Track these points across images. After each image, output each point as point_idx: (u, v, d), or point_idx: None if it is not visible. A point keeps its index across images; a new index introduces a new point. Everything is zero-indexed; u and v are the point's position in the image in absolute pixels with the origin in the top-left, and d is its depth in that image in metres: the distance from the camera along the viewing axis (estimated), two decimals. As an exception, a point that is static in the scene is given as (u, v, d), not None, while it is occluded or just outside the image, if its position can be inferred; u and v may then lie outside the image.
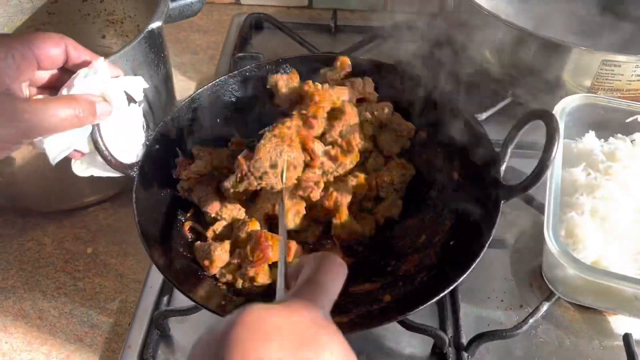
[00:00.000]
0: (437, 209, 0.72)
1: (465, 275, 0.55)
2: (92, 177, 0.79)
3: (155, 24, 0.72)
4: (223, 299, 0.62)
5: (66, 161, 0.74)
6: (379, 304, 0.61)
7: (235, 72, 0.76)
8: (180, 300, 0.71)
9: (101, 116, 0.55)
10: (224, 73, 1.01)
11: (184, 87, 1.03)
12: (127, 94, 0.59)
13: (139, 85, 0.61)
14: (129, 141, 0.63)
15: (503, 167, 0.63)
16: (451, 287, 0.56)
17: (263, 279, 0.64)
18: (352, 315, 0.59)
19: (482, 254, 0.56)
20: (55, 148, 0.55)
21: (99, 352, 0.69)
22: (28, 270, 0.77)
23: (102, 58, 0.56)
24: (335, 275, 0.45)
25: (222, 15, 1.20)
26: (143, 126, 0.64)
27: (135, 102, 0.61)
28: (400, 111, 0.76)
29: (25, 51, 0.50)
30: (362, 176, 0.71)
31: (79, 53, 0.55)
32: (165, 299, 0.72)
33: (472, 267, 0.56)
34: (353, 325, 0.57)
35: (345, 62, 0.76)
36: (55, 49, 0.53)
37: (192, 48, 1.13)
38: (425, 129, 0.75)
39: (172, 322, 0.70)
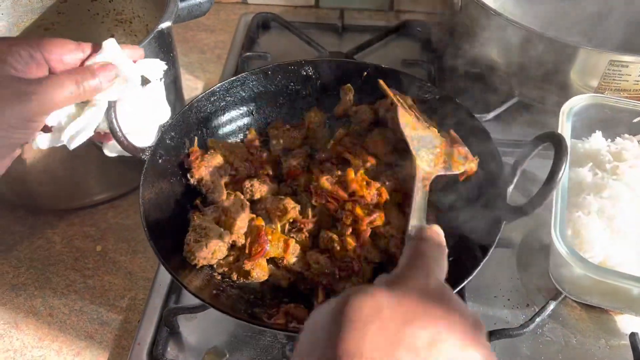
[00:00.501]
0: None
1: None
2: (102, 174, 0.81)
3: (165, 24, 0.72)
4: (216, 289, 0.62)
5: (76, 160, 0.75)
6: None
7: (257, 69, 0.77)
8: (190, 297, 0.71)
9: (106, 82, 0.55)
10: (232, 72, 1.02)
11: (191, 87, 1.04)
12: (145, 78, 0.60)
13: (158, 68, 0.61)
14: (144, 122, 0.63)
15: (510, 188, 0.63)
16: None
17: (258, 274, 0.64)
18: None
19: (474, 272, 0.57)
20: (70, 133, 0.55)
21: (109, 349, 0.70)
22: (38, 268, 0.78)
23: (112, 38, 0.56)
24: (436, 242, 0.46)
25: (229, 15, 1.20)
26: (164, 106, 0.64)
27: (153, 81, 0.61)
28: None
29: (34, 53, 0.50)
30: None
31: (94, 52, 0.55)
32: (174, 296, 0.72)
33: (462, 285, 0.57)
34: None
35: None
36: (69, 56, 0.53)
37: (200, 47, 1.13)
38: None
39: (181, 319, 0.70)
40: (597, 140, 0.77)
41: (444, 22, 1.08)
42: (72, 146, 0.56)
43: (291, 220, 0.69)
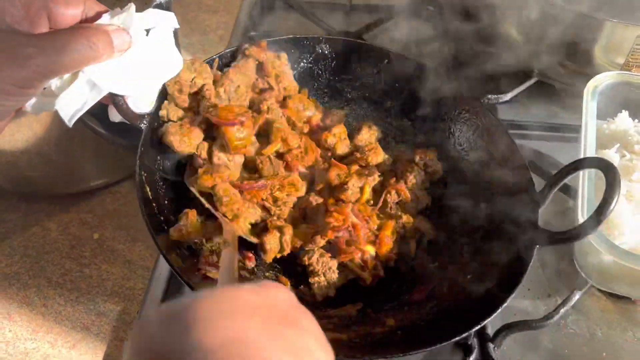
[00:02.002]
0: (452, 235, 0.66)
1: (483, 324, 0.51)
2: (99, 158, 0.78)
3: (163, -3, 0.68)
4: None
5: (71, 143, 0.72)
6: (382, 326, 0.57)
7: (276, 38, 0.71)
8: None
9: (119, 48, 0.49)
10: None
11: (193, 69, 1.00)
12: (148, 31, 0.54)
13: (166, 22, 0.55)
14: (150, 78, 0.57)
15: (542, 210, 0.58)
16: (464, 335, 0.51)
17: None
18: (352, 334, 0.55)
19: (504, 305, 0.52)
20: (68, 106, 0.49)
21: (106, 341, 0.67)
22: (33, 256, 0.75)
23: (132, 6, 0.51)
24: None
25: (232, -5, 1.16)
26: (174, 55, 0.58)
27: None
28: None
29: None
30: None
31: (98, 11, 0.50)
32: (174, 286, 0.69)
33: (492, 315, 0.52)
34: (351, 348, 0.52)
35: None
36: (73, 10, 0.48)
37: (202, 29, 1.10)
38: (458, 151, 0.71)
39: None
40: (623, 121, 0.73)
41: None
42: (72, 122, 0.50)
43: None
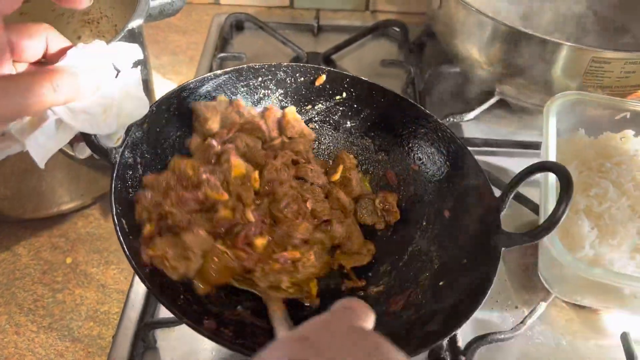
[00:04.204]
0: (422, 245, 0.67)
1: (457, 330, 0.53)
2: (70, 182, 0.77)
3: (135, 22, 0.68)
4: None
5: (40, 168, 0.71)
6: None
7: (230, 68, 0.70)
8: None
9: (86, 90, 0.48)
10: (205, 73, 0.98)
11: (163, 90, 0.99)
12: (115, 66, 0.53)
13: (132, 54, 0.54)
14: (117, 118, 0.54)
15: (503, 213, 0.60)
16: (444, 339, 0.54)
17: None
18: None
19: (478, 307, 0.54)
20: (39, 147, 0.47)
21: (81, 368, 0.66)
22: (3, 283, 0.73)
23: (100, 41, 0.51)
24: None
25: (201, 16, 1.17)
26: (140, 98, 0.56)
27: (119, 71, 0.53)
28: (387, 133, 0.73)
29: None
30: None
31: (60, 45, 0.49)
32: (151, 309, 0.69)
33: (469, 317, 0.53)
34: None
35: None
36: (36, 43, 0.46)
37: (172, 49, 1.10)
38: (417, 164, 0.71)
39: (159, 333, 0.66)
40: (581, 138, 0.77)
41: (422, 21, 1.07)
42: (43, 163, 0.48)
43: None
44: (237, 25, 1.12)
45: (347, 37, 1.06)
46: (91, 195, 0.81)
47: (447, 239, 0.64)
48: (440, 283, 0.61)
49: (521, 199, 0.77)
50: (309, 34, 1.12)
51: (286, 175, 0.66)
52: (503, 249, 0.56)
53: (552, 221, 0.53)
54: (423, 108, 0.70)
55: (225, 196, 0.60)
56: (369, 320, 0.42)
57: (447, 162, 0.67)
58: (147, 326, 0.65)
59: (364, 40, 1.09)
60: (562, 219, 0.52)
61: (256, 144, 0.68)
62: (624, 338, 0.66)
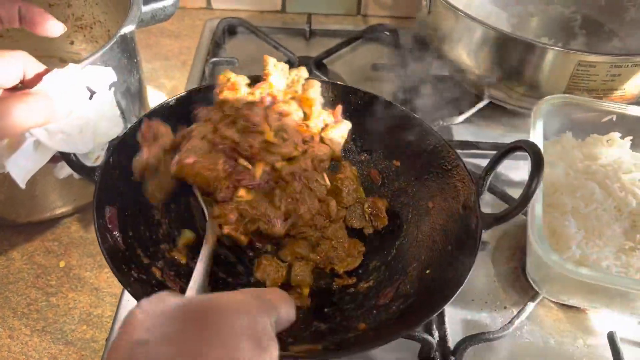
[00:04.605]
0: (409, 238, 0.69)
1: (444, 306, 0.55)
2: (63, 187, 0.77)
3: (127, 28, 0.69)
4: None
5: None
6: (354, 332, 0.59)
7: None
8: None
9: (61, 112, 0.50)
10: (198, 78, 1.00)
11: (156, 94, 1.00)
12: (89, 89, 0.54)
13: (105, 77, 0.56)
14: (94, 138, 0.57)
15: (482, 196, 0.62)
16: (431, 316, 0.56)
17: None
18: (326, 343, 0.57)
19: (464, 283, 0.55)
20: (19, 168, 0.50)
21: (74, 371, 0.66)
22: (-4, 287, 0.73)
23: (73, 64, 0.52)
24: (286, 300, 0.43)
25: (193, 20, 1.18)
26: (115, 118, 0.58)
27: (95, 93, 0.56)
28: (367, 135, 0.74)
29: None
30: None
31: (37, 71, 0.50)
32: (143, 312, 0.69)
33: (453, 297, 0.54)
34: (326, 352, 0.54)
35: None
36: (14, 69, 0.48)
37: (164, 54, 1.10)
38: (399, 159, 0.73)
39: (152, 336, 0.67)
40: (568, 141, 0.78)
41: (413, 25, 1.08)
42: (24, 183, 0.51)
43: None
44: (230, 29, 1.13)
45: (339, 42, 1.07)
46: (84, 200, 0.81)
47: (433, 228, 0.66)
48: (427, 271, 0.63)
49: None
50: (300, 38, 1.12)
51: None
52: (484, 231, 0.58)
53: (525, 197, 0.55)
54: (400, 105, 0.71)
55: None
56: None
57: (427, 155, 0.69)
58: (140, 329, 0.65)
59: (355, 45, 1.10)
60: (534, 195, 0.54)
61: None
62: (611, 337, 0.67)
